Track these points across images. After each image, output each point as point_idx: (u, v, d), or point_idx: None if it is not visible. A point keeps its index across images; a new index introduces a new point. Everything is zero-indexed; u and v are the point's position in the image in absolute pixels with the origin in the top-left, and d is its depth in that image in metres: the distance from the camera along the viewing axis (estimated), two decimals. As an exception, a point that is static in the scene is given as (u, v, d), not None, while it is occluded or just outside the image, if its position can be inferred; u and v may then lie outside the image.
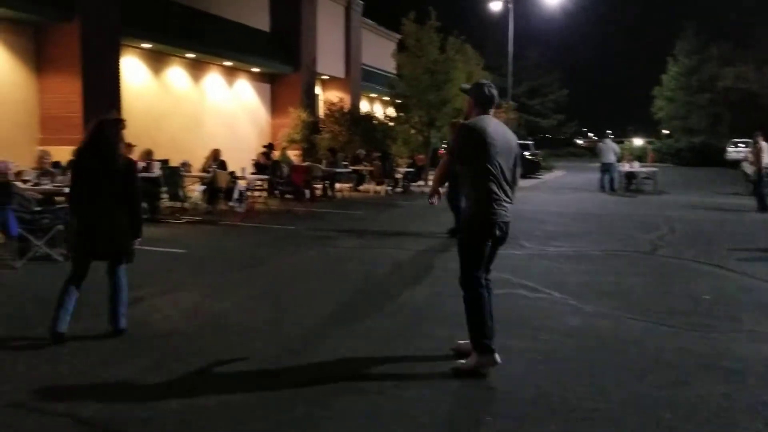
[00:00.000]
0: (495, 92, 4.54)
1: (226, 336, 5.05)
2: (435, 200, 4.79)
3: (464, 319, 4.54)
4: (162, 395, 3.87)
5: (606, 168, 20.29)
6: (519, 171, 4.54)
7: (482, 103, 4.49)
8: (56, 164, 11.29)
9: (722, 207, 15.87)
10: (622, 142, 45.38)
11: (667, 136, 53.19)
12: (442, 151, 31.50)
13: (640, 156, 38.92)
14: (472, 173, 4.32)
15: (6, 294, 6.34)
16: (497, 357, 4.25)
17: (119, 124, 4.96)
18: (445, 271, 7.58)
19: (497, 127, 4.40)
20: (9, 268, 7.33)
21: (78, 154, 5.04)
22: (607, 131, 26.65)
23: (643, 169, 22.74)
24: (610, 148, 20.28)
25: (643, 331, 5.29)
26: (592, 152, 41.15)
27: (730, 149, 40.67)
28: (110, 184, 4.83)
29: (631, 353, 4.73)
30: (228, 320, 5.49)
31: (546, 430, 3.47)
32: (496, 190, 4.28)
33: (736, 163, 32.35)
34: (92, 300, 5.34)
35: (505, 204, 4.34)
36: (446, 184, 6.37)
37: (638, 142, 55.74)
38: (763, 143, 15.09)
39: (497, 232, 4.32)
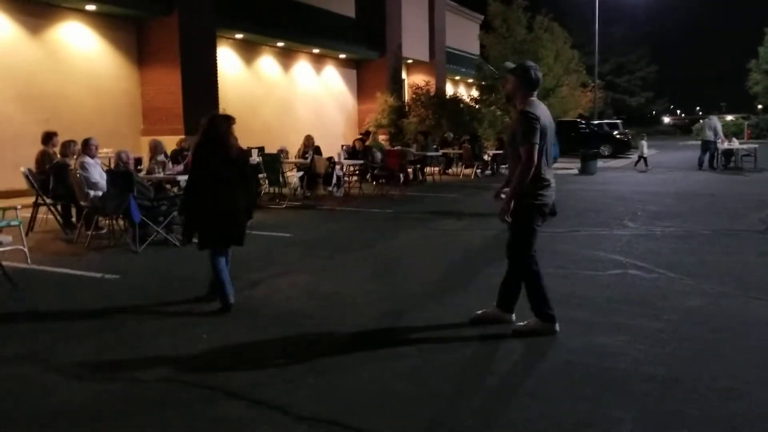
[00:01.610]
0: (540, 75, 4.63)
1: (342, 313, 5.25)
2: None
3: (574, 299, 5.01)
4: (299, 370, 4.08)
5: (706, 145, 19.54)
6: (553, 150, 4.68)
7: (529, 86, 4.55)
8: (164, 154, 11.82)
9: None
10: (717, 120, 43.48)
11: (764, 111, 50.35)
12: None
13: (736, 133, 37.13)
14: None
15: (135, 275, 6.77)
16: (557, 326, 4.59)
17: (229, 119, 5.41)
18: (549, 252, 7.55)
19: (545, 112, 4.54)
20: (133, 253, 7.80)
21: (195, 148, 5.51)
22: (697, 108, 25.53)
23: (743, 146, 21.71)
24: (712, 125, 19.49)
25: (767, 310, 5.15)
26: (682, 130, 39.61)
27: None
28: (227, 173, 5.26)
29: (760, 333, 4.62)
30: (344, 300, 5.68)
31: (687, 408, 3.47)
32: (546, 174, 4.53)
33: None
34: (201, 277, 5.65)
35: (552, 186, 4.60)
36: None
37: (730, 118, 53.01)
38: None
39: (546, 212, 4.60)
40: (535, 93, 4.58)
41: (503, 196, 4.69)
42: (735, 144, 20.96)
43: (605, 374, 3.96)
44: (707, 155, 19.59)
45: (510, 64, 4.77)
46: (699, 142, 20.13)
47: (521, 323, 4.70)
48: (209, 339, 4.69)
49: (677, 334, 4.63)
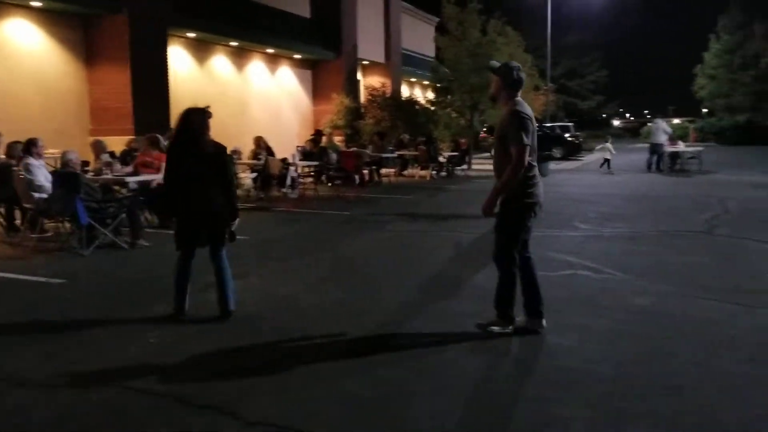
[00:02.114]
0: (524, 75, 4.66)
1: (299, 317, 5.20)
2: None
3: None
4: (252, 375, 4.03)
5: (655, 148, 20.07)
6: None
7: (512, 86, 4.58)
8: (110, 154, 11.56)
9: (775, 186, 15.56)
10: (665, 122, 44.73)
11: (709, 114, 52.02)
12: (483, 134, 31.43)
13: (682, 136, 38.24)
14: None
15: (82, 279, 6.59)
16: (513, 328, 4.68)
17: (205, 113, 5.08)
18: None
19: (530, 111, 4.58)
20: (79, 256, 7.59)
21: (170, 145, 5.25)
22: (646, 112, 26.34)
23: (689, 149, 22.36)
24: (660, 128, 20.03)
25: (712, 309, 5.30)
26: (631, 133, 40.69)
27: (776, 127, 39.67)
28: (203, 169, 4.99)
29: (705, 331, 4.75)
30: (300, 304, 5.64)
31: (632, 405, 3.53)
32: (534, 172, 4.57)
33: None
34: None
35: (540, 185, 4.64)
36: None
37: (677, 121, 54.65)
38: None
39: (538, 212, 4.62)
40: (519, 93, 4.61)
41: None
42: (681, 147, 21.57)
43: (556, 373, 4.01)
44: (655, 158, 20.12)
45: (495, 63, 4.77)
46: (647, 145, 20.68)
47: (481, 321, 4.80)
48: (160, 344, 4.58)
49: (625, 333, 4.73)
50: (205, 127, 5.04)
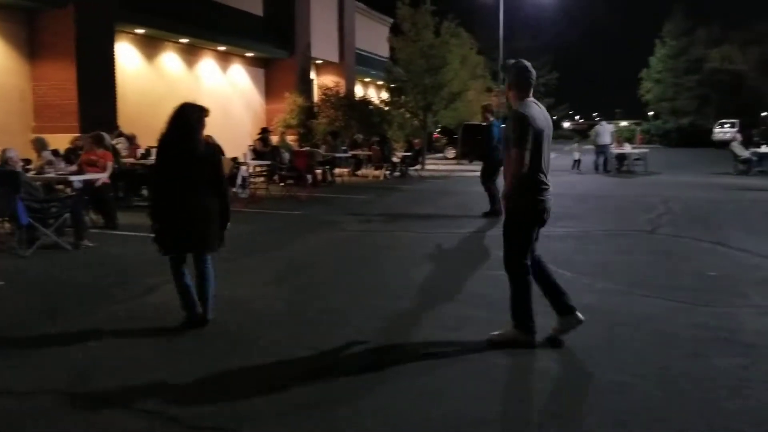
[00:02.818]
0: (534, 75, 4.47)
1: (248, 321, 5.12)
2: None
3: (483, 298, 4.79)
4: (194, 378, 3.96)
5: (601, 150, 20.53)
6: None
7: (523, 86, 4.41)
8: (54, 152, 11.25)
9: (714, 186, 16.10)
10: (611, 125, 45.94)
11: (654, 117, 53.55)
12: (436, 135, 31.65)
13: (629, 138, 39.21)
14: (527, 161, 4.25)
15: (22, 282, 6.38)
16: (535, 339, 4.37)
17: (203, 110, 4.79)
18: (456, 252, 7.74)
19: (542, 113, 4.39)
20: (19, 257, 7.35)
21: (160, 141, 4.82)
22: (595, 114, 26.96)
23: (634, 151, 22.94)
24: (606, 130, 20.50)
25: (655, 307, 5.43)
26: (581, 135, 41.56)
27: (717, 130, 41.08)
28: (194, 170, 4.69)
29: (648, 328, 4.87)
30: (248, 306, 5.56)
31: (578, 403, 3.60)
32: (544, 178, 4.35)
33: (723, 144, 32.76)
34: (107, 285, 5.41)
35: (550, 190, 4.42)
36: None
37: (624, 124, 56.07)
38: None
39: (545, 218, 4.41)
40: (531, 93, 4.42)
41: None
42: (627, 148, 22.12)
43: (503, 371, 4.05)
44: (602, 159, 20.59)
45: (510, 61, 4.60)
46: (594, 147, 21.18)
47: (495, 332, 4.50)
48: (102, 348, 4.46)
49: (571, 331, 4.80)
50: (201, 126, 4.76)
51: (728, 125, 40.07)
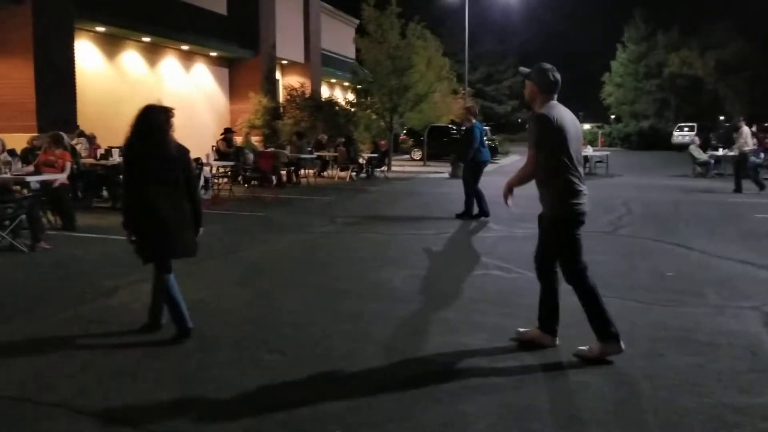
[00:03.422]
0: (559, 76, 4.33)
1: (210, 325, 5.04)
2: (510, 201, 4.57)
3: (446, 300, 4.75)
4: (152, 382, 3.90)
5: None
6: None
7: (548, 89, 4.31)
8: (11, 152, 10.99)
9: (673, 188, 16.46)
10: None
11: (616, 120, 54.52)
12: (403, 136, 31.71)
13: (591, 140, 39.83)
14: (554, 164, 4.19)
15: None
16: (622, 344, 4.24)
17: (168, 111, 4.66)
18: (419, 254, 7.76)
19: (567, 114, 4.29)
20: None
21: (128, 147, 4.66)
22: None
23: (596, 153, 23.32)
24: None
25: (614, 306, 5.45)
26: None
27: (676, 133, 42.00)
28: (167, 172, 4.57)
29: (607, 328, 4.94)
30: (210, 308, 5.49)
31: (536, 401, 3.63)
32: (577, 180, 4.25)
33: (682, 147, 33.51)
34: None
35: (585, 193, 4.31)
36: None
37: (587, 126, 56.97)
38: (744, 127, 15.63)
39: (583, 221, 4.30)
40: (556, 96, 4.32)
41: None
42: (589, 151, 22.46)
43: (465, 373, 4.08)
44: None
45: (525, 69, 4.47)
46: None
47: (584, 347, 4.31)
48: (59, 353, 4.36)
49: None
50: (168, 127, 4.62)
51: (687, 129, 41.02)
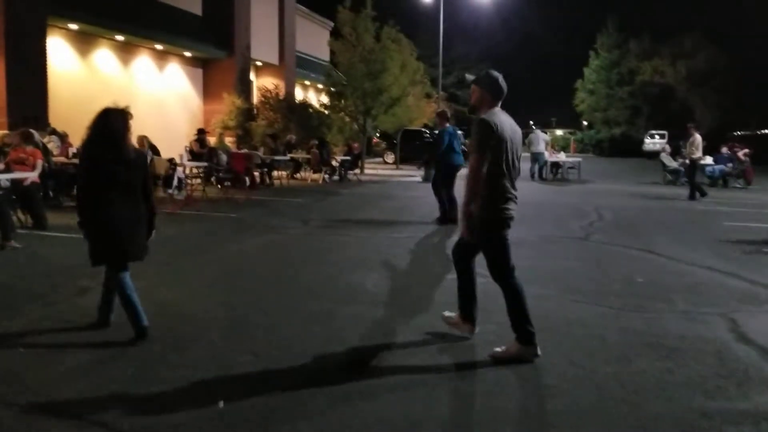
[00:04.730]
0: (505, 86, 4.49)
1: (182, 326, 5.02)
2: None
3: (415, 301, 4.96)
4: (124, 386, 3.86)
5: (536, 157, 20.98)
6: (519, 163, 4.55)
7: (497, 96, 4.44)
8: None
9: (644, 195, 16.73)
10: (545, 133, 47.23)
11: (588, 127, 55.20)
12: (376, 139, 31.77)
13: (564, 146, 40.36)
14: (491, 169, 4.27)
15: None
16: (539, 349, 4.36)
17: (126, 114, 4.67)
18: (391, 256, 7.78)
19: (508, 121, 4.41)
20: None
21: (85, 146, 4.70)
22: (531, 122, 27.60)
23: (568, 159, 23.60)
24: (540, 138, 20.97)
25: (585, 312, 5.60)
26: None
27: (648, 141, 42.71)
28: (124, 175, 4.58)
29: (578, 333, 5.01)
30: (181, 309, 5.45)
31: (511, 406, 3.67)
32: (509, 186, 4.37)
33: (653, 154, 34.09)
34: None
35: (515, 200, 4.44)
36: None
37: (559, 132, 57.67)
38: (696, 135, 15.93)
39: (509, 226, 4.41)
40: (500, 103, 4.44)
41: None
42: (561, 157, 22.73)
43: (437, 377, 4.10)
44: (536, 166, 21.05)
45: (471, 76, 4.63)
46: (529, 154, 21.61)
47: (499, 348, 4.46)
48: (31, 353, 4.29)
49: (504, 335, 4.88)
50: (127, 130, 4.63)
51: (658, 136, 41.73)
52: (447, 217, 10.61)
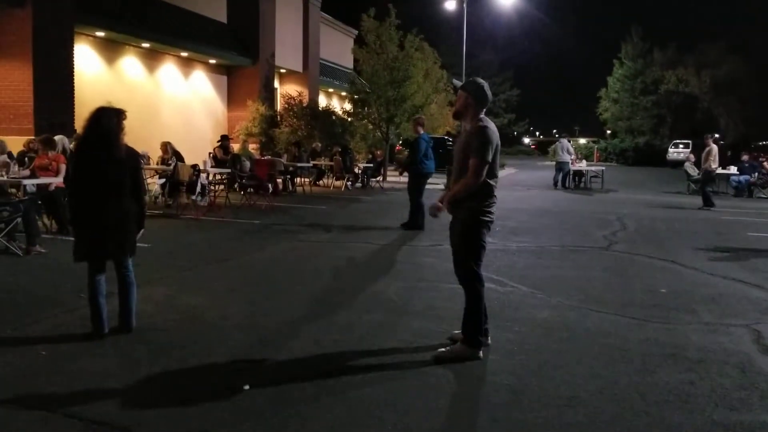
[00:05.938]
0: (490, 92, 4.70)
1: (204, 331, 5.06)
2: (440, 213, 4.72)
3: (440, 312, 5.07)
4: (147, 391, 3.90)
5: (561, 166, 20.88)
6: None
7: (482, 101, 4.59)
8: (9, 155, 10.98)
9: (667, 205, 16.54)
10: (570, 142, 46.89)
11: (612, 136, 54.77)
12: (399, 147, 31.81)
13: (587, 155, 40.08)
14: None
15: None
16: (481, 354, 4.53)
17: (120, 113, 4.76)
18: (413, 265, 7.78)
19: (496, 130, 4.58)
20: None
21: (78, 144, 4.86)
22: (554, 131, 27.52)
23: (591, 168, 23.42)
24: (565, 147, 20.87)
25: (608, 322, 5.55)
26: (540, 150, 42.52)
27: (671, 150, 42.19)
28: (114, 174, 4.67)
29: (599, 344, 4.97)
30: (204, 315, 5.49)
31: (531, 417, 3.65)
32: (494, 186, 4.58)
33: (677, 164, 33.70)
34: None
35: (496, 202, 4.63)
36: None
37: (582, 141, 57.28)
38: (713, 146, 15.78)
39: (492, 228, 4.61)
40: (484, 110, 4.61)
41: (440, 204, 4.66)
42: (584, 165, 22.57)
43: (459, 385, 4.09)
44: (560, 175, 20.94)
45: (458, 82, 4.80)
46: (554, 163, 21.53)
47: (443, 349, 4.58)
48: (52, 356, 4.36)
49: (526, 345, 4.88)
50: (120, 130, 4.72)
51: (682, 146, 41.23)
52: (416, 223, 10.64)
